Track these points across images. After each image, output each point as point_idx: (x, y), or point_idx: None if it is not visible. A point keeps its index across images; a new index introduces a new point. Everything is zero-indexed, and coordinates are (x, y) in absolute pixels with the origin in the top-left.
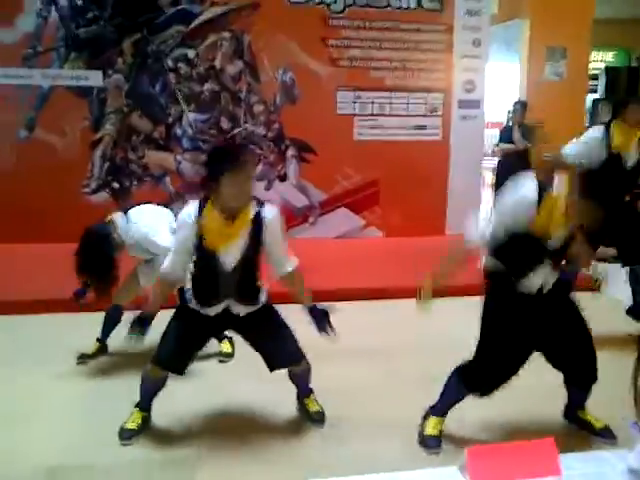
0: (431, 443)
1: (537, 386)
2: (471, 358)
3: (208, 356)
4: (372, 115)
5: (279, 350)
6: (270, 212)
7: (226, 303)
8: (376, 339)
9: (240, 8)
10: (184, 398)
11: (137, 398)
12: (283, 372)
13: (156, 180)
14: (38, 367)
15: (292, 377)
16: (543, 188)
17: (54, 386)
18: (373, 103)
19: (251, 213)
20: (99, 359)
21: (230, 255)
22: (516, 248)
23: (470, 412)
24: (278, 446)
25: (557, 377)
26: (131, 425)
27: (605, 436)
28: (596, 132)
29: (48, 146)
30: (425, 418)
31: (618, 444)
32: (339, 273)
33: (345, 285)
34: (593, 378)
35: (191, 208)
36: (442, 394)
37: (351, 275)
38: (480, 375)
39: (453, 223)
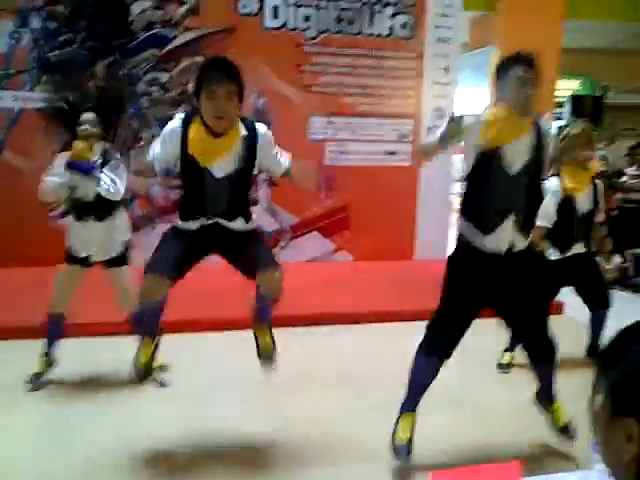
0: (401, 452)
1: (504, 408)
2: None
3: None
4: (343, 140)
5: (256, 260)
6: (262, 131)
7: (213, 220)
8: (347, 364)
9: (214, 33)
10: (155, 421)
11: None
12: (254, 395)
13: (126, 204)
14: None
15: (257, 292)
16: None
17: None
18: (345, 129)
19: (240, 132)
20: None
21: (221, 165)
22: (475, 189)
23: (436, 434)
24: (255, 471)
25: (525, 398)
26: (143, 358)
27: (563, 435)
28: (551, 185)
29: (16, 169)
30: (397, 420)
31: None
32: (310, 297)
33: (316, 310)
34: (551, 349)
35: (177, 120)
36: (409, 386)
37: (322, 299)
38: (436, 333)
39: (422, 248)
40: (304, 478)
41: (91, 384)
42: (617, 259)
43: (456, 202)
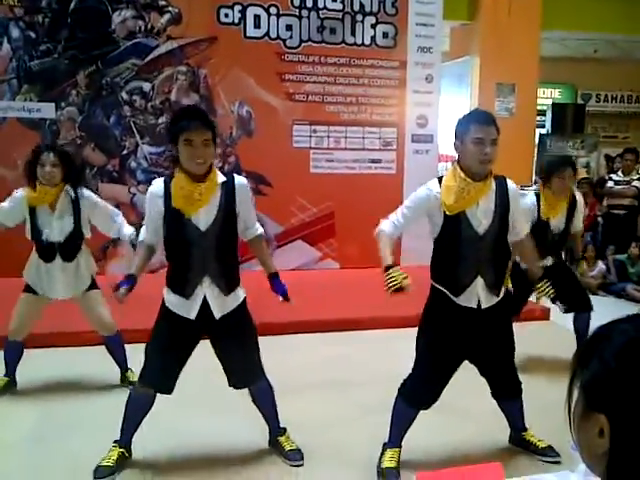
0: (389, 476)
1: (487, 411)
2: (409, 373)
3: None
4: (328, 149)
5: (243, 368)
6: (240, 179)
7: (203, 291)
8: (336, 371)
9: (196, 42)
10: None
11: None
12: (245, 405)
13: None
14: None
15: (255, 401)
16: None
17: None
18: (329, 137)
19: (218, 178)
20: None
21: (203, 216)
22: (442, 253)
23: (420, 437)
24: (244, 478)
25: None
26: (106, 462)
27: (548, 455)
28: (528, 202)
29: None
30: (382, 452)
31: (562, 463)
32: (296, 305)
33: (302, 317)
34: (517, 389)
35: (159, 180)
36: (391, 424)
37: (308, 307)
38: (417, 387)
39: (407, 254)
40: None
41: (75, 393)
42: (601, 265)
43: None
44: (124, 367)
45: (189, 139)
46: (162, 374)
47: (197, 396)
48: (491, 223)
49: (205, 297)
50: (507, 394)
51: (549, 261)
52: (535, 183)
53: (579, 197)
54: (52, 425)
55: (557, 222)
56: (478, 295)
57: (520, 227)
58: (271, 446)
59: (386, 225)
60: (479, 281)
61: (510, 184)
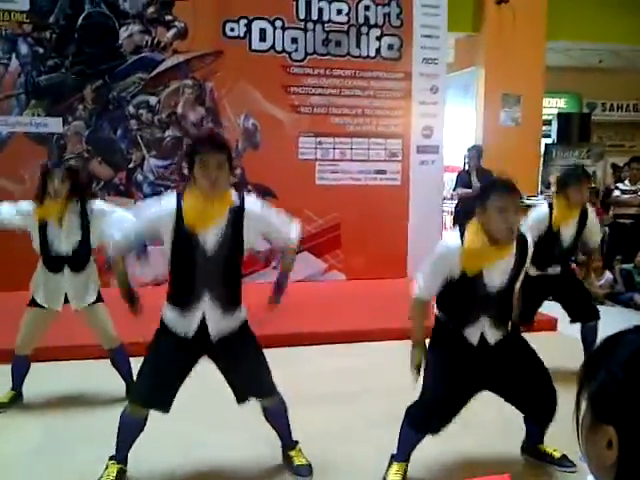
0: None
1: (495, 421)
2: (417, 399)
3: None
4: (333, 160)
5: (250, 382)
6: (250, 204)
7: (203, 309)
8: (342, 383)
9: (202, 56)
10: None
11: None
12: (253, 420)
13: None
14: None
15: (267, 417)
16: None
17: None
18: (334, 148)
19: (232, 198)
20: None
21: (210, 236)
22: (452, 294)
23: (428, 447)
24: None
25: (515, 411)
26: (106, 479)
27: (565, 465)
28: (541, 213)
29: (6, 192)
30: (389, 465)
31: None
32: (302, 317)
33: (309, 329)
34: (551, 414)
35: (172, 196)
36: (399, 440)
37: (315, 319)
38: (424, 415)
39: (414, 266)
40: None
41: (80, 406)
42: (608, 275)
43: (447, 219)
44: (129, 380)
45: (204, 160)
46: (157, 391)
47: (203, 409)
48: (506, 281)
49: (204, 317)
50: (540, 419)
51: (556, 270)
52: (541, 193)
53: (591, 211)
54: (57, 438)
55: (567, 233)
56: (484, 332)
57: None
58: (284, 460)
59: (420, 292)
60: (484, 320)
61: (528, 240)
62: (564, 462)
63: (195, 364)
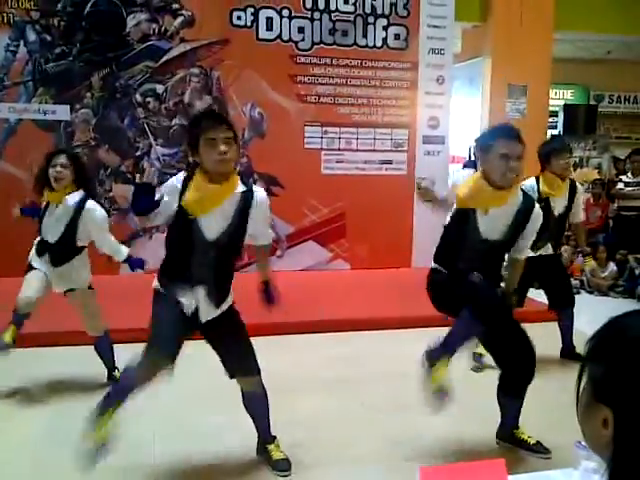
0: (442, 396)
1: (493, 408)
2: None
3: None
4: (339, 150)
5: (235, 358)
6: (260, 195)
7: (195, 297)
8: (346, 370)
9: (209, 45)
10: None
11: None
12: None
13: (123, 214)
14: None
15: (247, 405)
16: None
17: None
18: (340, 138)
19: (238, 184)
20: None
21: (213, 222)
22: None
23: (425, 432)
24: (249, 475)
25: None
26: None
27: (539, 451)
28: (527, 184)
29: (14, 179)
30: (431, 366)
31: (564, 461)
32: (307, 305)
33: (313, 317)
34: (529, 377)
35: (179, 175)
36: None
37: (319, 307)
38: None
39: (419, 256)
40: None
41: (88, 389)
42: (612, 266)
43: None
44: (111, 366)
45: (211, 137)
46: (171, 341)
47: (208, 394)
48: (504, 231)
49: (196, 305)
50: (518, 380)
51: (548, 250)
52: None
53: (579, 185)
54: (62, 424)
55: (558, 204)
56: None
57: (525, 247)
58: (259, 454)
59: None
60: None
61: (537, 209)
62: (539, 448)
63: (190, 331)
